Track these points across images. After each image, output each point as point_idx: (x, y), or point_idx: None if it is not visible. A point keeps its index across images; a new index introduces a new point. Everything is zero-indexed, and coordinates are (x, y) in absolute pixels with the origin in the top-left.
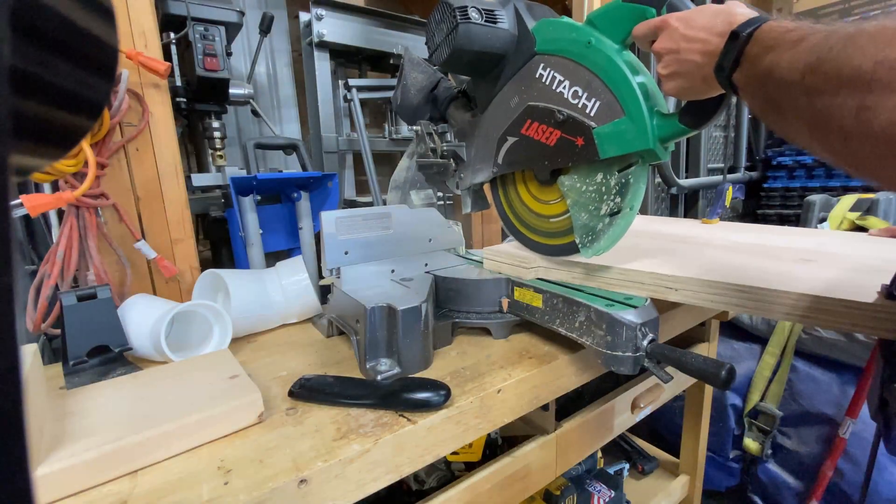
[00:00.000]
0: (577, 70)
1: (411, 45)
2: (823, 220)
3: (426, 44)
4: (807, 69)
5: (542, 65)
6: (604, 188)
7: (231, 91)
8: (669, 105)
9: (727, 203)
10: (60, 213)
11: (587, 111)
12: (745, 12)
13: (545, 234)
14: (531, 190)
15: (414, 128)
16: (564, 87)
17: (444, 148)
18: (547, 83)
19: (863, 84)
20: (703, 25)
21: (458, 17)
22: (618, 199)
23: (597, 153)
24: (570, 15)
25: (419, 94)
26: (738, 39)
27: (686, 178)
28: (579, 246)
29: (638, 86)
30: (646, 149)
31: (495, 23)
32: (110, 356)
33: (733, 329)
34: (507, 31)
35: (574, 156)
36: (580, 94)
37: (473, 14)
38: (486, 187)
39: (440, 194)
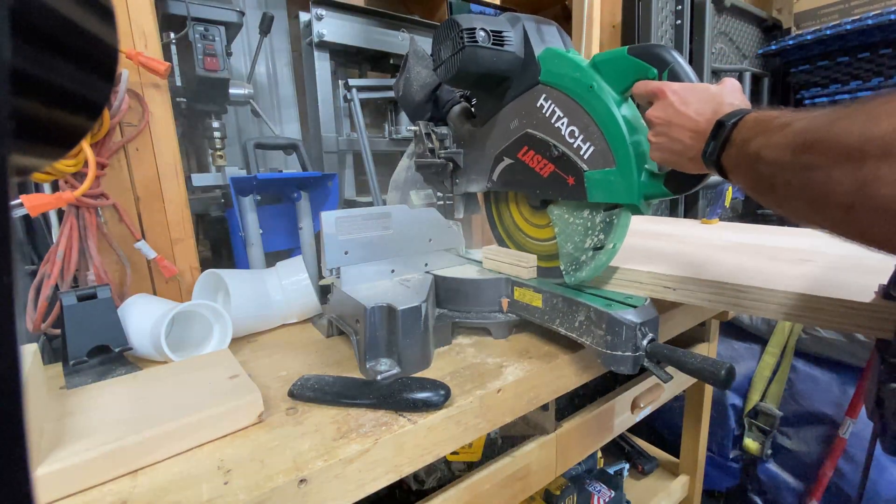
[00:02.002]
0: (576, 111)
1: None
2: None
3: (431, 55)
4: (797, 149)
5: (543, 95)
6: (589, 223)
7: (231, 91)
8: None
9: (727, 203)
10: (60, 213)
11: (581, 153)
12: (733, 102)
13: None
14: (522, 211)
15: (412, 127)
16: (563, 124)
17: (443, 153)
18: (546, 115)
19: (856, 160)
20: (696, 108)
21: (466, 40)
22: (601, 236)
23: (585, 195)
24: (570, 17)
25: (421, 92)
26: (724, 128)
27: None
28: (564, 273)
29: (632, 144)
30: (630, 203)
31: (502, 45)
32: (110, 356)
33: (733, 329)
34: (514, 54)
35: (564, 192)
36: (577, 134)
37: (481, 35)
38: (480, 195)
39: (440, 194)
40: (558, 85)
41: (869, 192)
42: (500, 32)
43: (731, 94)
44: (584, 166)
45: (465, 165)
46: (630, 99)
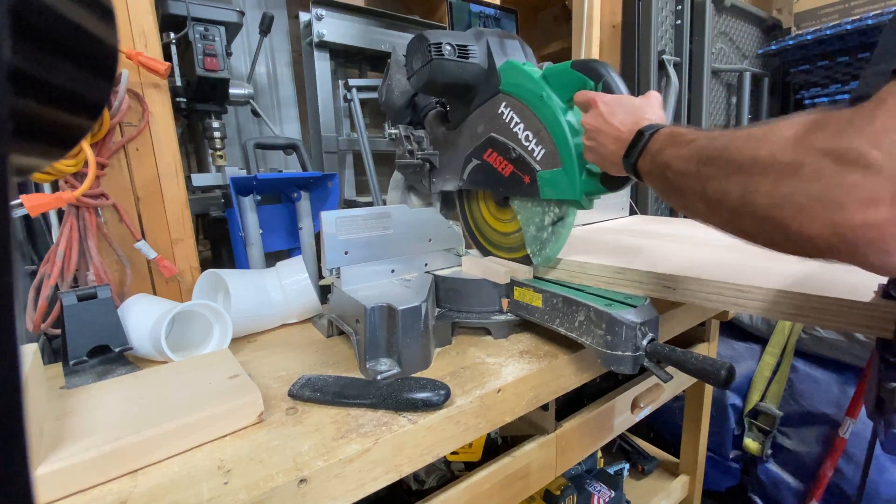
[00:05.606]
0: (530, 117)
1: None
2: None
3: (405, 66)
4: (700, 162)
5: (504, 103)
6: (545, 201)
7: (231, 91)
8: None
9: None
10: (60, 213)
11: (534, 155)
12: (651, 116)
13: (501, 249)
14: (490, 208)
15: (392, 130)
16: (519, 129)
17: (420, 154)
18: (506, 121)
19: (744, 174)
20: (620, 119)
21: (433, 53)
22: (557, 209)
23: (538, 192)
24: (570, 17)
25: (402, 98)
26: (642, 138)
27: None
28: (531, 256)
29: (574, 146)
30: (574, 199)
31: (467, 58)
32: (110, 356)
33: (733, 329)
34: (478, 66)
35: (521, 189)
36: (531, 138)
37: (447, 49)
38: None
39: None
40: (516, 94)
41: (750, 199)
42: (465, 46)
43: (652, 109)
44: (537, 167)
45: (440, 166)
46: (574, 109)
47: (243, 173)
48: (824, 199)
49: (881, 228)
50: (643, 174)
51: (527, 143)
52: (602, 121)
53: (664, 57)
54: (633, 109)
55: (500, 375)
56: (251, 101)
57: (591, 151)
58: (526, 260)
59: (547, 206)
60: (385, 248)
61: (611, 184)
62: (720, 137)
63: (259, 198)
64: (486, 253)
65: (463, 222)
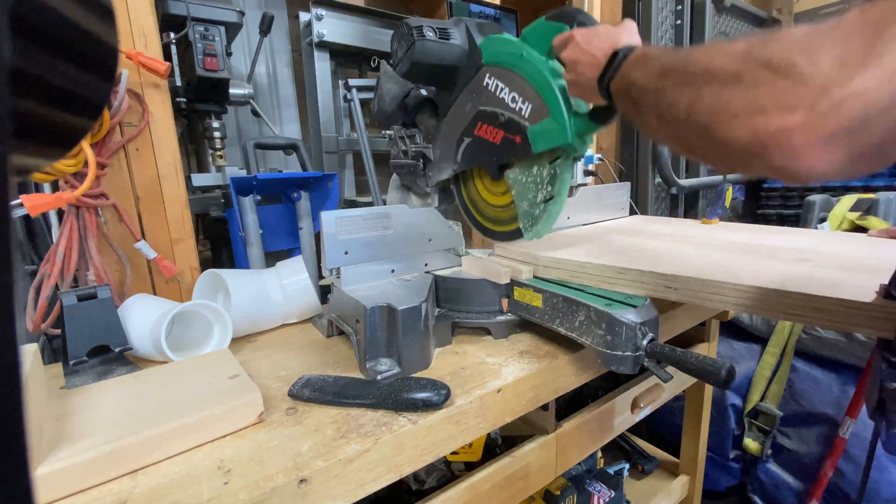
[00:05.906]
0: (514, 78)
1: None
2: (823, 220)
3: (391, 58)
4: (658, 76)
5: (487, 74)
6: (538, 178)
7: (231, 91)
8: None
9: (727, 203)
10: (60, 213)
11: (522, 113)
12: (626, 40)
13: (496, 222)
14: (485, 184)
15: (387, 132)
16: (505, 94)
17: (413, 150)
18: (492, 90)
19: (694, 85)
20: (597, 45)
21: (415, 35)
22: (549, 188)
23: (531, 148)
24: None
25: (393, 103)
26: (616, 59)
27: (686, 178)
28: (522, 230)
29: (558, 88)
30: (567, 143)
31: (448, 39)
32: (110, 356)
33: (733, 329)
34: (459, 46)
35: (514, 151)
36: (517, 98)
37: (428, 32)
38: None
39: None
40: (498, 62)
41: (693, 108)
42: (445, 29)
43: (628, 34)
44: (526, 123)
45: (434, 157)
46: (555, 59)
47: (243, 173)
48: (752, 105)
49: (790, 133)
50: (614, 96)
51: (514, 105)
52: (580, 51)
53: None
54: (609, 35)
55: (500, 375)
56: (251, 101)
57: (573, 85)
58: (517, 233)
59: (539, 179)
60: (385, 248)
61: (599, 117)
62: (683, 52)
63: (259, 198)
64: (482, 229)
65: (460, 205)
